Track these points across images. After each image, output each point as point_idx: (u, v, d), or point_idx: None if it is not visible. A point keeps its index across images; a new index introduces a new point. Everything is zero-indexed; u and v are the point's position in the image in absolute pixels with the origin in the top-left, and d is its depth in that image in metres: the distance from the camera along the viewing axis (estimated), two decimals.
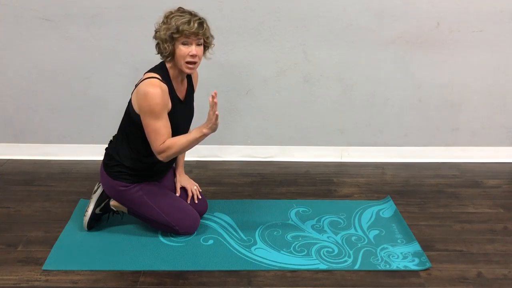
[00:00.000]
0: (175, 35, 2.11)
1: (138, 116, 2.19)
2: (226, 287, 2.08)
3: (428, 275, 2.17)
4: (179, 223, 2.36)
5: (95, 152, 3.26)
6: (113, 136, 2.43)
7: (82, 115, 3.22)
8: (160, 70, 2.20)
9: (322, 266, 2.21)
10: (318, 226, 2.54)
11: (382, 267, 2.21)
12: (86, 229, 2.41)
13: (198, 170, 3.13)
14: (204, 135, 2.12)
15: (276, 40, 3.04)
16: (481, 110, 3.26)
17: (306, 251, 2.32)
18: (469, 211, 2.72)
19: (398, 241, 2.41)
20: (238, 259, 2.24)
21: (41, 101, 3.17)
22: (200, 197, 2.53)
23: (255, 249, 2.32)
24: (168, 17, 2.13)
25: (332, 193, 2.91)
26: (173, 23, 2.10)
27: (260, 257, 2.27)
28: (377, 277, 2.15)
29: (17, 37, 3.00)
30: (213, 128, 2.10)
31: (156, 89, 2.11)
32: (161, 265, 2.19)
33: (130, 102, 2.25)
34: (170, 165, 2.47)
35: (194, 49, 2.15)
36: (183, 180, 2.54)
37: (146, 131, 2.16)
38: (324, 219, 2.60)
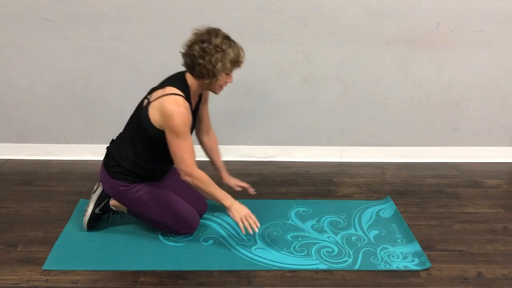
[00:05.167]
0: (232, 67, 2.17)
1: (155, 129, 2.17)
2: (226, 287, 2.08)
3: (428, 275, 2.17)
4: (178, 222, 2.36)
5: (95, 152, 3.27)
6: (117, 136, 2.43)
7: (82, 115, 3.22)
8: (182, 85, 2.19)
9: (322, 266, 2.21)
10: (318, 226, 2.54)
11: (382, 267, 2.21)
12: (86, 229, 2.41)
13: None
14: (225, 206, 2.23)
15: (276, 40, 3.04)
16: (481, 110, 3.26)
17: (306, 251, 2.32)
18: (469, 211, 2.72)
19: (398, 241, 2.41)
20: (238, 259, 2.25)
21: (41, 101, 3.17)
22: (254, 193, 2.56)
23: (255, 249, 2.32)
24: (220, 47, 2.11)
25: (332, 193, 2.91)
26: (232, 55, 2.13)
27: (260, 257, 2.27)
28: (377, 277, 2.15)
29: (17, 37, 3.00)
30: (232, 215, 2.22)
31: (182, 109, 2.11)
32: (161, 265, 2.20)
33: (144, 110, 2.20)
34: (168, 169, 2.47)
35: (232, 76, 2.22)
36: (232, 180, 2.57)
37: (173, 150, 2.14)
38: (324, 219, 2.60)
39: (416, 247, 2.35)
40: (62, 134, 3.27)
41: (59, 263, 2.20)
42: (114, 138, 2.43)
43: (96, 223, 2.46)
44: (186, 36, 2.98)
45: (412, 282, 2.12)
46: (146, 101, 2.23)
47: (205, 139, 2.53)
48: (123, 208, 2.44)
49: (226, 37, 2.16)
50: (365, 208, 2.72)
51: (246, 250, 2.31)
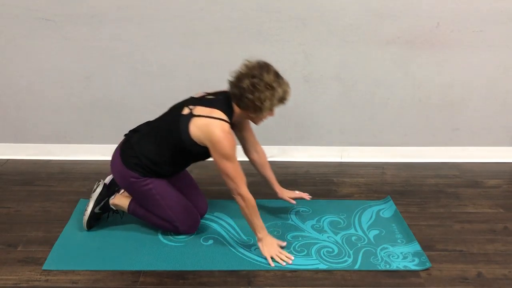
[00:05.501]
0: (278, 104, 2.19)
1: (192, 141, 2.17)
2: (226, 287, 2.08)
3: (428, 275, 2.17)
4: (181, 220, 2.36)
5: (95, 152, 3.27)
6: (139, 127, 2.39)
7: (82, 115, 3.22)
8: (229, 111, 2.20)
9: (322, 266, 2.21)
10: (318, 226, 2.54)
11: (382, 267, 2.21)
12: (86, 228, 2.41)
13: (198, 170, 3.12)
14: (257, 237, 2.26)
15: (276, 40, 3.04)
16: (481, 110, 3.26)
17: (306, 251, 2.32)
18: (469, 211, 2.72)
19: (398, 241, 2.41)
20: (238, 259, 2.25)
21: (41, 101, 3.18)
22: (308, 198, 2.58)
23: (255, 249, 2.32)
24: (271, 84, 2.12)
25: (332, 193, 2.91)
26: (280, 93, 2.15)
27: (260, 257, 2.26)
28: (377, 277, 2.15)
29: (17, 37, 3.00)
30: (261, 249, 2.25)
31: (229, 136, 2.13)
32: (161, 265, 2.20)
33: (184, 120, 2.18)
34: (182, 171, 2.48)
35: (274, 111, 2.24)
36: (285, 192, 2.59)
37: (225, 172, 2.16)
38: (324, 219, 2.60)
39: (416, 247, 2.35)
40: (62, 134, 3.27)
41: (59, 263, 2.20)
42: (138, 128, 2.39)
43: (96, 222, 2.46)
44: (186, 36, 3.01)
45: (412, 282, 2.12)
46: (187, 110, 2.21)
47: (255, 156, 2.56)
48: (123, 208, 2.44)
49: (276, 74, 2.17)
50: (365, 208, 2.72)
51: (246, 250, 2.31)
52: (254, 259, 2.25)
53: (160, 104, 3.15)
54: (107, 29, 2.99)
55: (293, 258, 2.25)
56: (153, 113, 3.17)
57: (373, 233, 2.48)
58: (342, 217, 2.62)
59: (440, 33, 3.04)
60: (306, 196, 2.59)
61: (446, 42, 3.07)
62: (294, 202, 2.57)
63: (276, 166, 3.25)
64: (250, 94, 2.12)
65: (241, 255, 2.28)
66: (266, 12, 2.97)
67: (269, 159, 3.31)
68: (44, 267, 2.17)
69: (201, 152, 2.22)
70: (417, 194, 2.90)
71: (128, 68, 3.09)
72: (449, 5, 2.98)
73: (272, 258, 2.24)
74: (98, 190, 2.45)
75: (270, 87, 2.12)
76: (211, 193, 2.83)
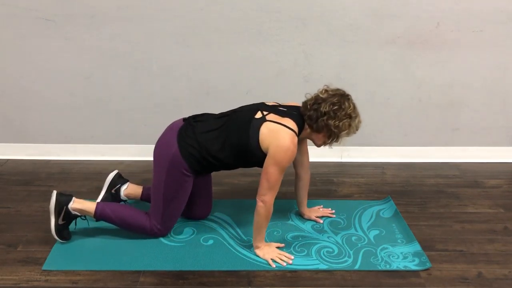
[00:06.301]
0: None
1: (256, 147, 2.17)
2: (226, 287, 2.08)
3: (428, 275, 2.17)
4: (164, 225, 2.33)
5: (95, 152, 3.27)
6: (204, 115, 2.33)
7: (82, 115, 3.22)
8: (300, 125, 2.22)
9: (322, 266, 2.21)
10: (318, 226, 2.54)
11: (382, 267, 2.21)
12: (62, 241, 2.31)
13: None
14: (255, 245, 2.28)
15: (276, 40, 3.04)
16: (481, 110, 3.26)
17: (306, 251, 2.32)
18: (469, 211, 2.72)
19: (398, 241, 2.41)
20: (238, 259, 2.24)
21: (41, 101, 3.17)
22: (333, 216, 2.62)
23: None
24: (350, 114, 2.17)
25: (332, 193, 2.91)
26: (356, 122, 2.20)
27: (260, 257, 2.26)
28: (377, 277, 2.15)
29: (17, 37, 3.00)
30: (262, 256, 2.26)
31: (294, 149, 2.14)
32: (161, 265, 2.19)
33: (256, 123, 2.18)
34: (228, 170, 2.43)
35: None
36: (313, 212, 2.61)
37: (268, 177, 2.15)
38: (324, 219, 2.60)
39: (416, 247, 2.35)
40: (62, 134, 3.27)
41: (59, 263, 2.20)
42: (203, 118, 2.33)
43: (68, 232, 2.34)
44: (186, 36, 3.01)
45: (412, 282, 2.12)
46: (260, 114, 2.21)
47: (302, 173, 2.54)
48: (88, 212, 2.32)
49: (355, 106, 2.20)
50: (365, 208, 2.72)
51: (246, 250, 2.31)
52: (254, 259, 2.24)
53: (160, 104, 3.17)
54: (107, 29, 2.99)
55: (293, 257, 2.25)
56: (153, 113, 3.19)
57: (373, 233, 2.48)
58: (342, 217, 2.62)
59: (440, 33, 3.04)
60: (329, 213, 2.63)
61: (446, 42, 3.07)
62: (321, 221, 2.58)
63: None
64: (330, 120, 2.15)
65: (241, 255, 2.28)
66: (266, 12, 2.97)
67: None
68: (44, 267, 2.17)
69: (260, 157, 2.19)
70: (417, 194, 2.90)
71: (128, 68, 3.09)
72: (449, 5, 2.98)
73: (272, 259, 2.24)
74: (53, 200, 2.29)
75: (349, 117, 2.16)
76: None
